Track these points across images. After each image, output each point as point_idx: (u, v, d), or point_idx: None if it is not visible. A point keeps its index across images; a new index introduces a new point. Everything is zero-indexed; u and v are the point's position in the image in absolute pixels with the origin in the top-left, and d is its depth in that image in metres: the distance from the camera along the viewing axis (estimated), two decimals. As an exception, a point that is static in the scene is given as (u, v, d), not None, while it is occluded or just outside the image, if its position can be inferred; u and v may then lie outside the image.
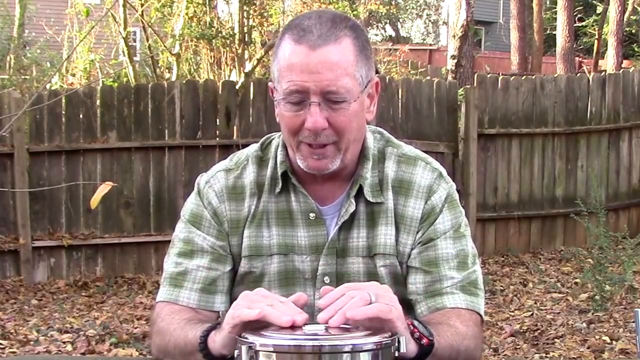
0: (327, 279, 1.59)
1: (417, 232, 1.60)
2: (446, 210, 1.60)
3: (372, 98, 1.58)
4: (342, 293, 1.30)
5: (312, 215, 1.59)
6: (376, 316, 1.26)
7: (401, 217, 1.60)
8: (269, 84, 1.62)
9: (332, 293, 1.31)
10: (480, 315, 1.58)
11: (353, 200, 1.58)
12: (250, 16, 10.28)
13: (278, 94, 1.53)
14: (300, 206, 1.60)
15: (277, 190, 1.60)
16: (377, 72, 1.66)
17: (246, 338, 1.21)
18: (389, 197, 1.60)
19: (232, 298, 1.59)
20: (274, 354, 1.18)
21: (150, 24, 10.00)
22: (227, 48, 10.15)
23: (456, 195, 1.64)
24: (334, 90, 1.48)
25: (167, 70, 11.03)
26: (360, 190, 1.59)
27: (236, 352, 1.22)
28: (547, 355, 4.58)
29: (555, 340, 4.83)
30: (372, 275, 1.59)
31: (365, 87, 1.54)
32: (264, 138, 1.69)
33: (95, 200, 3.05)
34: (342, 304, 1.27)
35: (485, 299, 5.62)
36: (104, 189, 3.01)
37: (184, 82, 7.30)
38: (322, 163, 1.53)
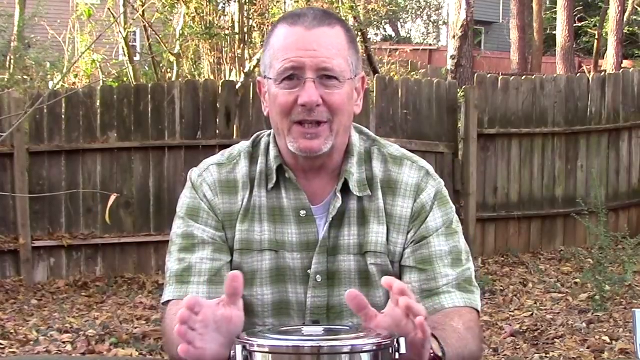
0: (318, 278, 1.60)
1: (409, 232, 1.60)
2: (436, 207, 1.61)
3: (360, 92, 1.62)
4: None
5: (302, 212, 1.60)
6: (420, 324, 1.21)
7: (390, 216, 1.61)
8: (258, 79, 1.64)
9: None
10: (478, 312, 1.60)
11: (339, 195, 1.59)
12: (251, 16, 10.28)
13: (270, 78, 1.55)
14: (291, 203, 1.61)
15: (271, 185, 1.61)
16: (376, 72, 1.68)
17: (244, 338, 1.21)
18: (379, 196, 1.61)
19: None
20: (271, 355, 1.17)
21: (150, 23, 10.00)
22: (228, 48, 10.15)
23: (445, 192, 1.65)
24: (329, 67, 1.52)
25: (168, 71, 11.02)
26: (347, 186, 1.60)
27: (231, 352, 1.21)
28: (547, 355, 4.58)
29: (555, 340, 4.83)
30: (363, 273, 1.60)
31: (355, 77, 1.58)
32: (254, 135, 1.70)
33: (108, 215, 3.21)
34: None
35: (485, 299, 5.57)
36: (111, 200, 3.11)
37: (184, 82, 7.30)
38: (315, 144, 1.54)
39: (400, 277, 1.60)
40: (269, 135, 1.66)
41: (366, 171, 1.62)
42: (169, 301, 1.60)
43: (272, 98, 1.56)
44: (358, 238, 1.60)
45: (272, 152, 1.62)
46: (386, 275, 1.58)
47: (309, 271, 1.60)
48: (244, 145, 1.67)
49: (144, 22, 9.86)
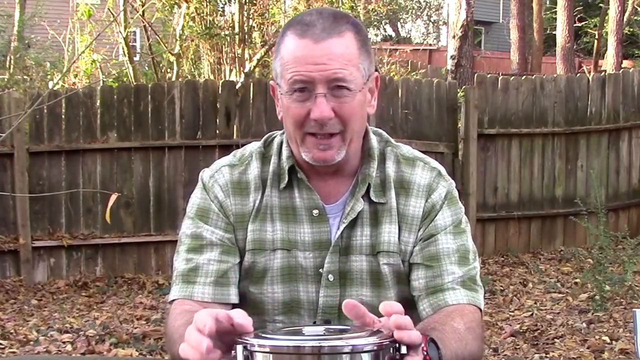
0: (331, 277, 1.60)
1: (419, 230, 1.61)
2: (446, 206, 1.62)
3: (373, 92, 1.61)
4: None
5: (315, 212, 1.60)
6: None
7: (403, 216, 1.61)
8: (271, 82, 1.62)
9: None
10: (481, 310, 1.60)
11: (362, 199, 1.60)
12: (251, 16, 10.28)
13: (282, 88, 1.54)
14: (304, 202, 1.61)
15: (282, 185, 1.61)
16: (376, 71, 1.67)
17: (244, 338, 1.20)
18: (392, 196, 1.62)
19: (239, 292, 1.61)
20: (271, 355, 1.17)
21: (150, 23, 10.00)
22: (228, 48, 10.15)
23: (456, 193, 1.66)
24: (340, 77, 1.50)
25: (168, 71, 11.02)
26: (367, 189, 1.60)
27: (232, 352, 1.21)
28: (547, 355, 4.58)
29: (555, 340, 4.83)
30: (374, 274, 1.60)
31: (367, 80, 1.56)
32: (266, 136, 1.70)
33: (108, 214, 3.25)
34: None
35: (486, 299, 5.55)
36: (112, 199, 3.14)
37: (184, 82, 7.30)
38: (328, 154, 1.54)
39: (409, 276, 1.61)
40: (282, 134, 1.66)
41: (380, 172, 1.63)
42: (174, 300, 1.60)
43: (285, 108, 1.55)
44: (370, 239, 1.60)
45: (285, 152, 1.62)
46: (398, 276, 1.60)
47: (320, 270, 1.60)
48: (255, 145, 1.68)
49: (144, 22, 9.86)
